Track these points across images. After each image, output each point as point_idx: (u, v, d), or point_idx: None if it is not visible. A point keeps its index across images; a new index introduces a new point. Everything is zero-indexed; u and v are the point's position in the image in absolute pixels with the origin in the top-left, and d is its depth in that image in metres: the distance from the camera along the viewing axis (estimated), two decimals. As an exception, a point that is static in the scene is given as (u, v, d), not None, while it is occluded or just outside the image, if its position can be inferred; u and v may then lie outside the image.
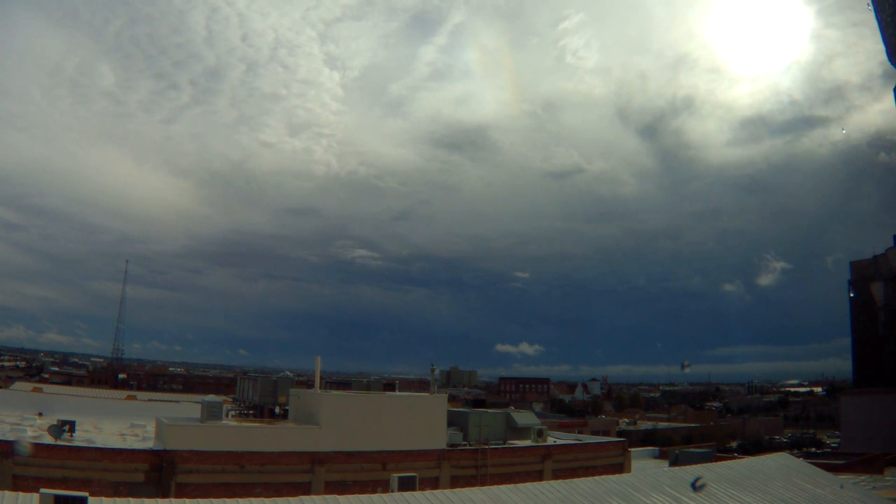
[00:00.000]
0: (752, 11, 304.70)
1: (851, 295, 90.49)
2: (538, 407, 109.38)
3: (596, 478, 25.05)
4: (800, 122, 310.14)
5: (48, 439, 30.81)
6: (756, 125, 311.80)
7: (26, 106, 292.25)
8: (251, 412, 43.29)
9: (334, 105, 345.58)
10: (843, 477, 32.62)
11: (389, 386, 49.28)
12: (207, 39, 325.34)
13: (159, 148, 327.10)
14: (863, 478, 37.36)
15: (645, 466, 43.58)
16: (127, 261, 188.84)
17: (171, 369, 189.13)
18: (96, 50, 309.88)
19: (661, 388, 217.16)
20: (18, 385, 77.49)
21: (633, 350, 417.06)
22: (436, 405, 37.84)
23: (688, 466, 30.13)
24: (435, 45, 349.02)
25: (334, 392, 40.02)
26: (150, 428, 37.60)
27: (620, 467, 41.35)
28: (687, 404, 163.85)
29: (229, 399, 52.77)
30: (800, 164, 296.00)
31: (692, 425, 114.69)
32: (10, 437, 30.02)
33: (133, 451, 30.15)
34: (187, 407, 49.16)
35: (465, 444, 37.92)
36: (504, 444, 40.07)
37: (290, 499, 19.04)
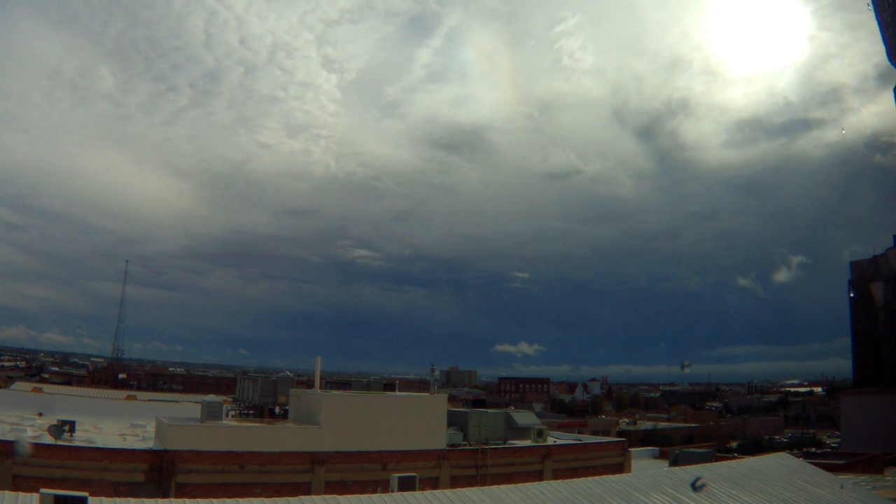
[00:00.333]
0: (747, 14, 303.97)
1: (851, 295, 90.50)
2: (538, 407, 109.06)
3: (596, 478, 25.08)
4: (796, 123, 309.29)
5: (48, 439, 30.81)
6: (752, 127, 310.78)
7: (26, 108, 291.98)
8: (251, 412, 43.27)
9: (332, 107, 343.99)
10: (843, 477, 32.65)
11: (389, 386, 49.17)
12: (206, 42, 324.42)
13: (159, 149, 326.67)
14: (863, 478, 37.38)
15: (645, 466, 43.57)
16: (127, 261, 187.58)
17: (171, 369, 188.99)
18: (96, 53, 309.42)
19: (661, 388, 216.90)
20: (18, 385, 77.50)
21: (633, 350, 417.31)
22: (436, 405, 37.83)
23: (688, 466, 30.16)
24: (431, 47, 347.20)
25: (334, 392, 39.99)
26: (150, 428, 37.64)
27: (620, 467, 41.36)
28: (687, 404, 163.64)
29: (229, 399, 52.75)
30: (797, 165, 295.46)
31: (692, 425, 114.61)
32: (10, 437, 30.02)
33: (133, 451, 30.16)
34: (187, 407, 49.25)
35: (465, 444, 37.91)
36: (504, 444, 40.06)
37: (290, 499, 19.06)
